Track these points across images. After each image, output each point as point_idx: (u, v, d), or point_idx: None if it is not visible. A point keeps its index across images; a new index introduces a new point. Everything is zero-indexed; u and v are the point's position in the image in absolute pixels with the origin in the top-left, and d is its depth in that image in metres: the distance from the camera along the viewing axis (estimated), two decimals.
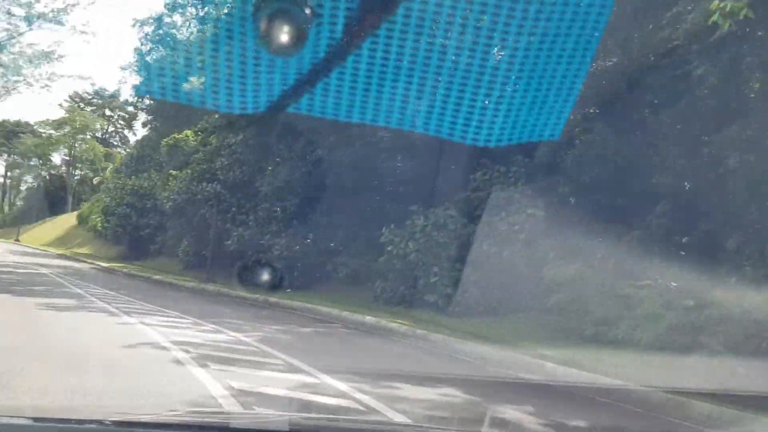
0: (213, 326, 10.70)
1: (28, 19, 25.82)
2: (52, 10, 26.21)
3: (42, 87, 28.37)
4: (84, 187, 73.92)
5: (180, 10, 35.43)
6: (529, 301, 14.40)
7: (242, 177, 27.55)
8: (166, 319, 11.33)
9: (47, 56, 27.60)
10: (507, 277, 14.93)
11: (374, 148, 21.10)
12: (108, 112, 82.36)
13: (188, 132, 34.25)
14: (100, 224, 40.68)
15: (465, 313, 15.37)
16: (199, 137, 33.45)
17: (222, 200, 27.00)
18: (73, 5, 26.57)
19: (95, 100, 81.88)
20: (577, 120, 15.54)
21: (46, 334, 8.42)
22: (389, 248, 17.91)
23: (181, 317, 11.88)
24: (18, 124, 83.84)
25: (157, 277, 25.55)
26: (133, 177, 38.45)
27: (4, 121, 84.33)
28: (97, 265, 31.73)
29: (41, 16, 25.58)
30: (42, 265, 26.65)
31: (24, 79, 28.12)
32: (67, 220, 60.03)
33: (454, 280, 15.91)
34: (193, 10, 32.33)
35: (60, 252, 40.88)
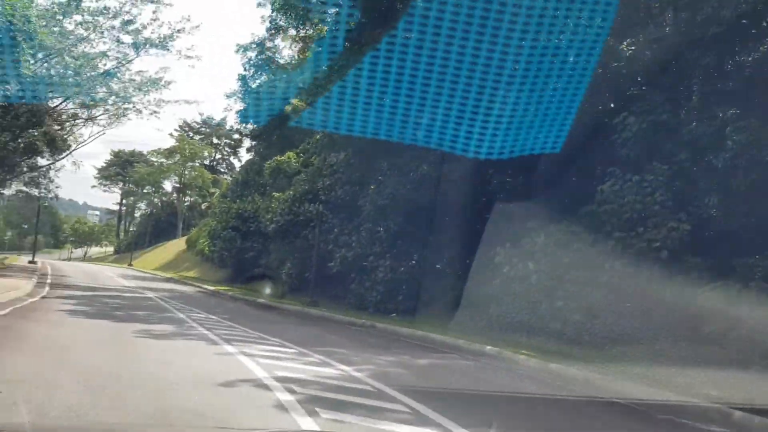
0: (319, 357, 9.43)
1: (136, 46, 26.15)
2: (159, 36, 26.44)
3: (150, 113, 28.49)
4: (193, 213, 76.30)
5: (281, 34, 35.54)
6: (677, 329, 12.33)
7: (344, 197, 26.65)
8: (268, 348, 10.18)
9: (155, 83, 27.89)
10: (648, 302, 12.91)
11: (482, 162, 19.51)
12: (215, 140, 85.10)
13: (290, 154, 33.94)
14: (207, 248, 41.12)
15: (596, 342, 13.44)
16: (301, 159, 33.04)
17: (324, 221, 26.15)
18: (179, 31, 26.74)
19: (203, 129, 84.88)
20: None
21: (134, 366, 7.41)
22: (505, 269, 16.22)
23: (284, 345, 10.71)
24: (132, 154, 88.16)
25: (260, 300, 24.91)
26: (237, 201, 38.62)
27: (119, 151, 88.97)
28: (203, 288, 31.68)
29: (148, 42, 25.82)
30: (149, 289, 26.68)
31: (134, 106, 28.57)
32: (177, 245, 61.79)
33: (582, 305, 14.02)
34: (294, 32, 32.20)
35: (168, 276, 41.58)
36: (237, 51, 39.04)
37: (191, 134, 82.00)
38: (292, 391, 6.46)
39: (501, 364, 10.75)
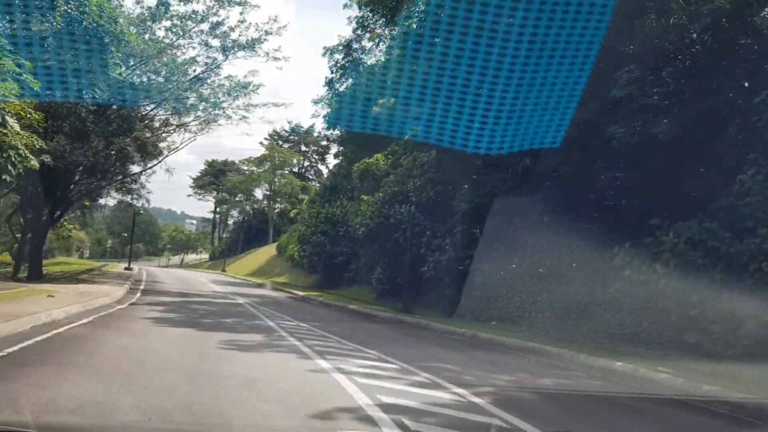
0: (426, 376, 7.97)
1: (224, 50, 25.67)
2: (247, 39, 25.86)
3: (240, 118, 27.96)
4: (283, 220, 76.87)
5: (367, 34, 34.51)
6: None
7: (436, 197, 25.20)
8: (366, 363, 8.82)
9: (245, 87, 27.33)
10: None
11: (591, 154, 17.53)
12: (303, 148, 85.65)
13: (378, 156, 32.80)
14: (296, 253, 40.63)
15: (739, 355, 11.36)
16: (389, 160, 31.82)
17: (416, 223, 24.76)
18: (268, 33, 26.06)
19: (292, 137, 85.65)
20: None
21: (213, 389, 6.20)
22: (626, 272, 14.26)
23: (383, 360, 9.33)
24: (225, 163, 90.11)
25: (351, 306, 23.76)
26: (326, 206, 37.89)
27: (213, 161, 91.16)
28: (294, 294, 30.96)
29: (236, 44, 25.28)
30: (240, 295, 26.09)
31: (224, 112, 28.13)
32: (268, 251, 62.09)
33: (722, 315, 11.94)
34: (381, 30, 31.02)
35: (260, 281, 41.36)
36: (324, 54, 38.44)
37: (280, 143, 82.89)
38: (403, 428, 5.04)
39: (636, 383, 8.93)
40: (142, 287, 25.06)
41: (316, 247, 34.79)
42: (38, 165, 15.14)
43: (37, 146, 15.35)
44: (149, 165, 28.77)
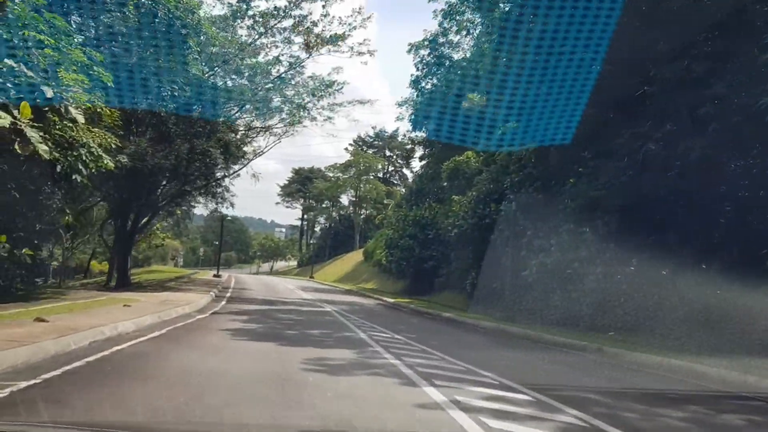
0: (575, 414, 5.84)
1: (308, 46, 24.26)
2: (332, 35, 24.38)
3: (324, 119, 26.51)
4: (369, 225, 75.68)
5: (455, 25, 32.45)
6: None
7: (536, 194, 22.80)
8: (487, 393, 6.76)
9: (329, 86, 25.87)
10: None
11: (726, 136, 14.74)
12: (387, 153, 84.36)
13: (469, 153, 30.62)
14: (384, 258, 38.95)
15: None
16: (481, 157, 29.57)
17: (515, 222, 22.45)
18: (352, 26, 24.51)
19: (376, 143, 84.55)
20: None
21: (291, 425, 4.38)
22: None
23: (508, 388, 7.24)
24: (311, 170, 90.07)
25: (446, 314, 21.68)
26: (414, 208, 36.02)
27: (299, 168, 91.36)
28: (383, 300, 29.19)
29: (320, 39, 23.82)
30: (327, 302, 24.54)
31: (308, 113, 26.76)
32: (354, 256, 60.90)
33: None
34: (470, 17, 28.90)
35: (347, 287, 39.93)
36: (409, 51, 36.69)
37: (364, 148, 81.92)
38: None
39: None
40: (228, 294, 23.96)
41: (404, 252, 32.92)
42: (114, 165, 13.97)
43: (113, 145, 14.21)
44: (234, 169, 27.78)
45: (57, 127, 11.65)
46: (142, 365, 7.33)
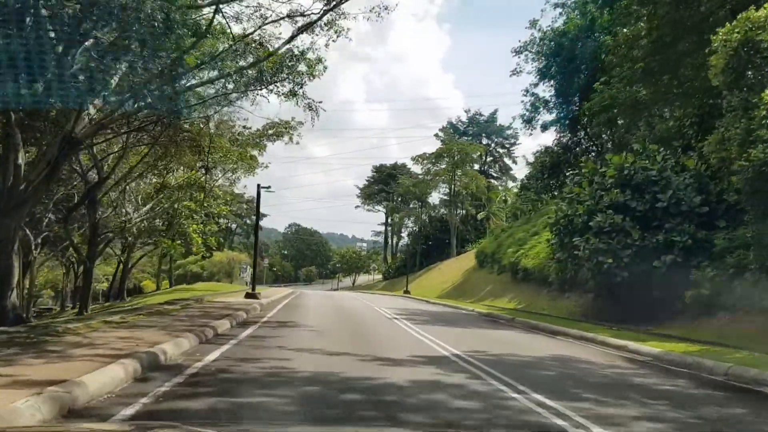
0: None
1: None
2: None
3: None
4: (466, 227, 59.30)
5: None
6: None
7: None
8: None
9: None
10: None
11: None
12: (484, 141, 67.89)
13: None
14: (550, 252, 22.60)
15: None
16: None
17: None
18: None
19: (470, 130, 68.33)
20: None
21: None
22: None
23: None
24: (394, 167, 74.74)
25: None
26: (614, 159, 19.57)
27: (380, 166, 76.19)
28: (605, 346, 12.91)
29: None
30: (459, 344, 8.67)
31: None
32: (458, 263, 44.82)
33: None
34: None
35: (474, 307, 23.55)
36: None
37: (457, 136, 65.78)
38: None
39: None
40: (229, 345, 8.63)
41: (605, 238, 16.25)
42: None
43: None
44: None
45: None
46: None
